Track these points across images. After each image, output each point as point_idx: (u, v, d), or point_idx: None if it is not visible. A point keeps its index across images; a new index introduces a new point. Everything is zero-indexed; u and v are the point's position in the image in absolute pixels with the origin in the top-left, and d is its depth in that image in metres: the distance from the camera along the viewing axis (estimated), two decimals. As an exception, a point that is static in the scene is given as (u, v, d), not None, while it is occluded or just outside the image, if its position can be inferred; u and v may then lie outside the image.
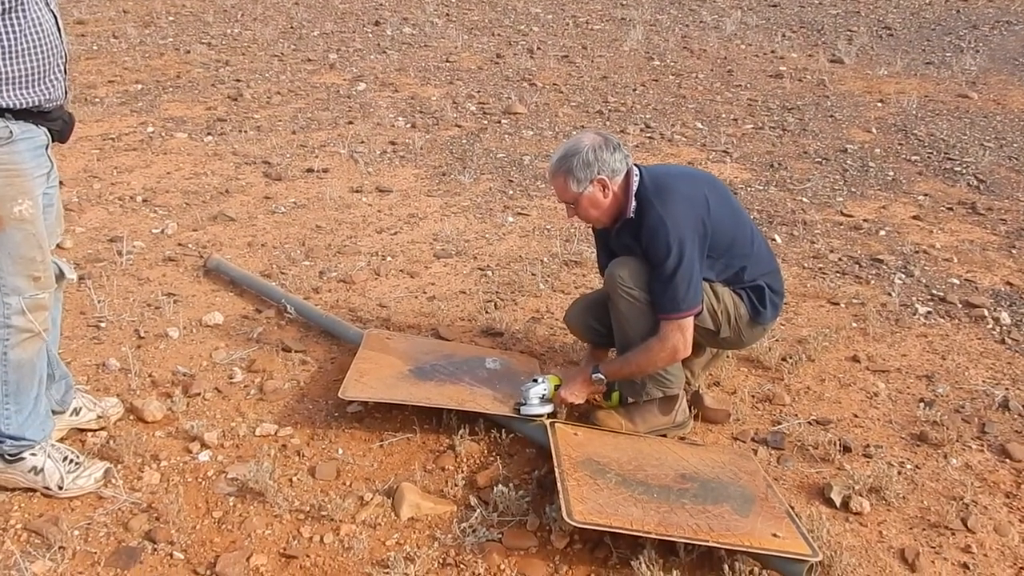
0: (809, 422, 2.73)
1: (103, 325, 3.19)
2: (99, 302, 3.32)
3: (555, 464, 2.25)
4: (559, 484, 2.16)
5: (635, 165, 2.51)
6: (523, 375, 2.79)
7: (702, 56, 7.93)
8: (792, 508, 2.24)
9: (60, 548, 2.11)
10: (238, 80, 6.79)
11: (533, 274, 3.70)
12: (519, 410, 2.54)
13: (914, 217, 4.42)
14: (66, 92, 2.16)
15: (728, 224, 2.51)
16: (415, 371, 2.75)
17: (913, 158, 5.31)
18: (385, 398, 2.58)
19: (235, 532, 2.21)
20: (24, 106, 2.00)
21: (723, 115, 6.17)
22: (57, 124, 2.15)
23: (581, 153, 2.41)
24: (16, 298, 2.11)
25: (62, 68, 2.10)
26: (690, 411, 2.69)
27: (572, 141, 2.47)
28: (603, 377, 2.55)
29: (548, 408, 2.56)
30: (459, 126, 5.82)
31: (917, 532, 2.26)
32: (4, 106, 1.97)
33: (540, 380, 2.59)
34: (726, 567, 2.04)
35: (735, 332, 2.59)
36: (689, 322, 2.42)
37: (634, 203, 2.47)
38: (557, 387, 2.61)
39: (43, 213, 2.16)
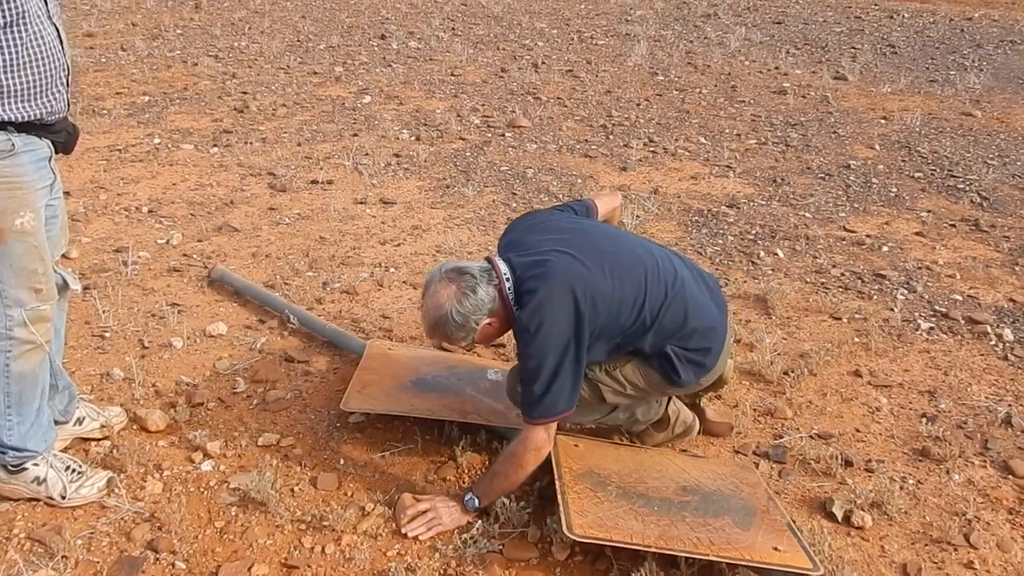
0: (811, 436, 2.73)
1: (108, 335, 3.20)
2: (104, 312, 3.33)
3: (556, 476, 2.25)
4: (559, 497, 2.16)
5: (499, 263, 2.23)
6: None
7: (706, 72, 7.96)
8: (793, 522, 2.24)
9: (63, 557, 2.12)
10: (244, 92, 6.84)
11: (536, 287, 3.71)
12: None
13: (917, 233, 4.42)
14: (68, 104, 2.17)
15: (615, 313, 2.22)
16: (417, 382, 2.76)
17: (916, 175, 5.32)
18: (387, 410, 2.59)
19: (237, 542, 2.21)
20: (26, 119, 2.01)
21: (726, 130, 6.19)
22: (61, 136, 2.16)
23: (448, 318, 2.18)
24: (18, 310, 2.12)
25: (64, 81, 2.11)
26: (692, 417, 2.65)
27: (431, 305, 2.21)
28: (476, 502, 2.27)
29: None
30: (463, 139, 5.85)
31: (919, 547, 2.26)
32: (6, 119, 1.97)
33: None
34: (727, 581, 2.04)
35: (662, 393, 2.46)
36: (552, 423, 2.20)
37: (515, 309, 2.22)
38: None
39: (47, 225, 2.17)
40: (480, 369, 2.91)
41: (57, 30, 2.07)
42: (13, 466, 2.25)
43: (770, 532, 2.14)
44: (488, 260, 2.27)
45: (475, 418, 2.57)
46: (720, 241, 4.28)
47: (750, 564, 2.03)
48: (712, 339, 2.37)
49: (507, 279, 2.22)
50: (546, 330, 2.11)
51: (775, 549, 2.07)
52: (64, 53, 2.10)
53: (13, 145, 2.01)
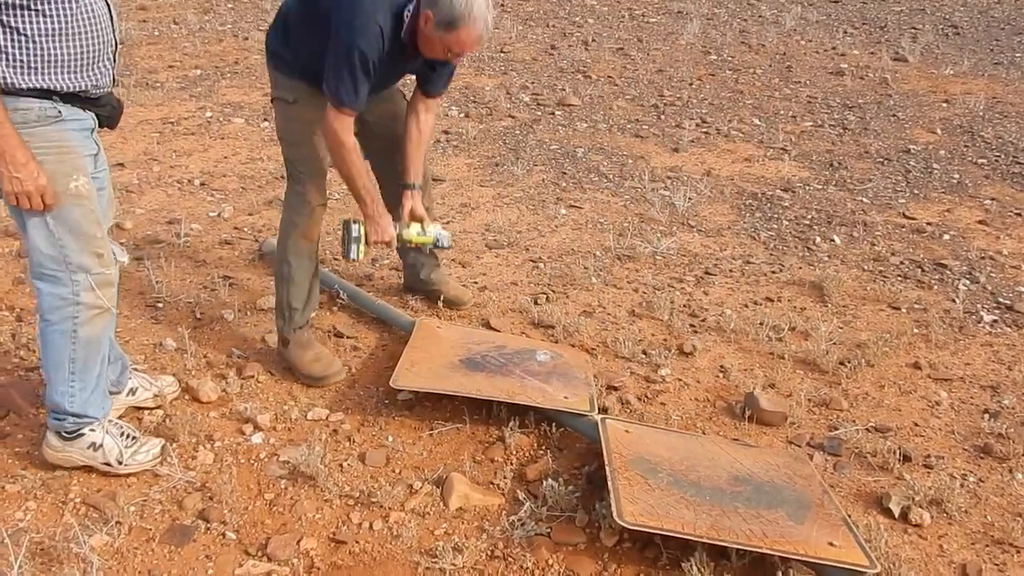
0: (867, 429, 2.66)
1: (160, 306, 3.24)
2: (157, 283, 3.37)
3: (606, 462, 2.22)
4: (610, 483, 2.13)
5: None
6: (574, 370, 2.77)
7: (760, 51, 7.78)
8: (849, 516, 2.18)
9: (117, 523, 2.15)
10: (294, 67, 6.85)
11: (585, 267, 3.67)
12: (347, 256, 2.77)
13: (980, 222, 4.27)
14: (114, 80, 2.18)
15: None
16: (466, 361, 2.75)
17: (980, 161, 5.14)
18: (436, 388, 2.58)
19: (286, 515, 2.23)
20: (71, 90, 2.02)
21: (781, 112, 6.04)
22: (106, 110, 2.17)
23: None
24: (83, 275, 2.15)
25: (112, 57, 2.12)
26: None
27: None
28: None
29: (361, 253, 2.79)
30: (512, 117, 5.80)
31: (980, 548, 2.19)
32: (52, 88, 1.99)
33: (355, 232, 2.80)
34: (779, 574, 2.00)
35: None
36: (340, 120, 2.52)
37: None
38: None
39: None
40: (529, 350, 2.88)
41: (108, 6, 2.08)
42: (69, 432, 2.29)
43: (825, 526, 2.09)
44: None
45: (523, 399, 2.55)
46: (775, 226, 4.18)
47: (804, 559, 1.98)
48: None
49: None
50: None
51: (830, 544, 2.01)
52: (113, 29, 2.10)
53: (59, 112, 2.02)
